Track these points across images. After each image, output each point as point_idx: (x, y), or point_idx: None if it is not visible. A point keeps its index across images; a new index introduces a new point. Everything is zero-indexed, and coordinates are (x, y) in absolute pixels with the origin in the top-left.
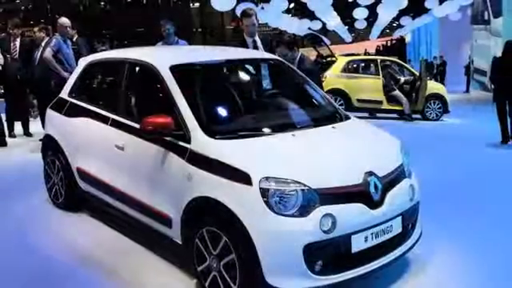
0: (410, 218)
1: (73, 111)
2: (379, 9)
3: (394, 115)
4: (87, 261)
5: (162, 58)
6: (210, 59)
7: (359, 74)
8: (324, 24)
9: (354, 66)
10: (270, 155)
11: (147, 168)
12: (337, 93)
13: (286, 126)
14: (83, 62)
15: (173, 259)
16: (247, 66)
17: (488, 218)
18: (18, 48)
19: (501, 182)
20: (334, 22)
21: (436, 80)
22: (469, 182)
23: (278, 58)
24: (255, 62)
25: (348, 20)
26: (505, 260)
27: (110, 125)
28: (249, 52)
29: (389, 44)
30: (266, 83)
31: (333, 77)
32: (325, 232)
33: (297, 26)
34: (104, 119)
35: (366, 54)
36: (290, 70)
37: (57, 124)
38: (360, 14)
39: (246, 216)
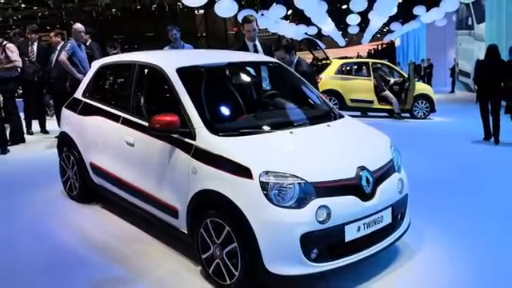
0: (399, 209)
1: (86, 110)
2: (371, 15)
3: (385, 114)
4: (99, 249)
5: (169, 60)
6: (213, 62)
7: (352, 75)
8: (319, 29)
9: (348, 68)
10: (269, 151)
11: (155, 163)
12: (331, 93)
13: (284, 124)
14: (96, 64)
15: (180, 248)
16: (248, 68)
17: (473, 209)
18: (35, 52)
19: (484, 175)
20: (328, 27)
21: (423, 81)
22: (455, 176)
23: (277, 61)
24: (255, 65)
25: (342, 25)
26: (489, 247)
27: (121, 123)
28: (249, 55)
29: (379, 48)
30: (266, 84)
31: (328, 78)
32: (320, 222)
33: (294, 31)
34: (115, 118)
35: (358, 57)
36: (288, 72)
37: (71, 122)
38: (353, 20)
39: (247, 207)
